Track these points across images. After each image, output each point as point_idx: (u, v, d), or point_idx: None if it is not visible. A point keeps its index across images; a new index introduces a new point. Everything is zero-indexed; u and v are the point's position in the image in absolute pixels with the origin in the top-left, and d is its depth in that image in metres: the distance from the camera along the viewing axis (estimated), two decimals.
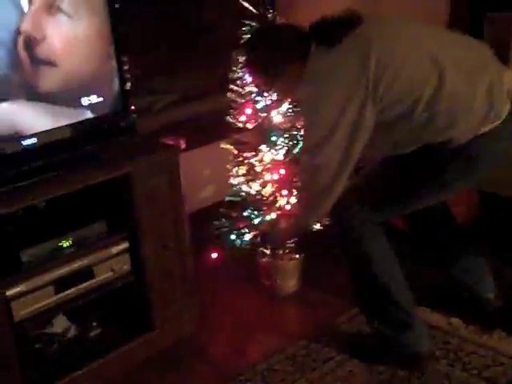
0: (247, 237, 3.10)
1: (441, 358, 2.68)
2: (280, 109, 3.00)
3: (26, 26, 2.28)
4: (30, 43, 2.31)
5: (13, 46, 2.27)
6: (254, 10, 2.92)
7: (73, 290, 2.54)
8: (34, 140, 2.41)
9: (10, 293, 2.35)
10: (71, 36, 2.41)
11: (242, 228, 3.10)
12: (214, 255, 3.31)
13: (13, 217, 2.36)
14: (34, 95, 2.38)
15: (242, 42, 2.84)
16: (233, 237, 3.10)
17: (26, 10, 2.28)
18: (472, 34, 2.56)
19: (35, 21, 2.30)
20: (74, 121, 2.52)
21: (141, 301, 2.77)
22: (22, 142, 2.39)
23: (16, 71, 2.31)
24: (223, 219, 3.10)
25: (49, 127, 2.45)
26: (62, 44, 2.39)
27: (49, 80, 2.40)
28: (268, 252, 3.21)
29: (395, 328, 2.59)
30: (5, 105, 2.30)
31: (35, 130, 2.42)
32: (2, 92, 2.29)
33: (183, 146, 2.87)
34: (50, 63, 2.38)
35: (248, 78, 2.93)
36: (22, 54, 2.30)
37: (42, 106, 2.41)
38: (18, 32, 2.27)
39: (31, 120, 2.40)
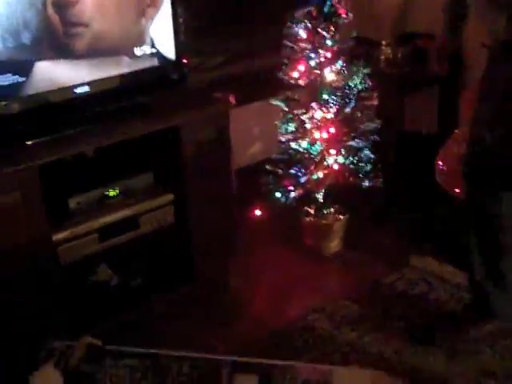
0: (292, 195, 3.08)
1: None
2: (333, 66, 2.94)
3: None
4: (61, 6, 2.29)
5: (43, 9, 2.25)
6: None
7: (117, 239, 2.57)
8: (86, 88, 2.43)
9: (56, 237, 2.39)
10: None
11: (288, 186, 3.07)
12: (259, 212, 3.31)
13: (62, 164, 2.38)
14: (72, 54, 2.38)
15: None
16: (278, 194, 3.08)
17: None
18: None
19: None
20: (126, 71, 2.52)
21: (183, 253, 2.80)
22: (75, 89, 2.40)
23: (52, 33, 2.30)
24: (270, 176, 3.08)
25: (101, 76, 2.45)
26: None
27: (85, 40, 2.39)
28: (312, 211, 3.19)
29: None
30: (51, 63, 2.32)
31: (87, 78, 2.42)
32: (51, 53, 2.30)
33: (233, 101, 2.85)
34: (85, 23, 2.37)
35: (302, 34, 2.88)
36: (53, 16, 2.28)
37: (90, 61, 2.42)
38: None
39: (82, 70, 2.41)
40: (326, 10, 2.87)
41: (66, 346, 2.21)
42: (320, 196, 3.18)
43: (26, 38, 2.24)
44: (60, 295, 2.45)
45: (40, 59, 2.30)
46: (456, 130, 3.29)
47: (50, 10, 2.26)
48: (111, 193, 2.52)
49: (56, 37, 2.31)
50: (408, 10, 3.60)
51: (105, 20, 2.40)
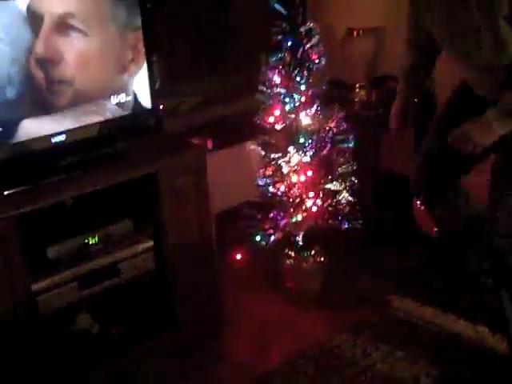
0: (272, 238, 3.09)
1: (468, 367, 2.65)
2: (308, 110, 2.98)
3: (39, 49, 2.29)
4: (45, 64, 2.32)
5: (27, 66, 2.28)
6: (283, 12, 2.90)
7: (97, 286, 2.55)
8: (62, 137, 2.44)
9: (36, 287, 2.37)
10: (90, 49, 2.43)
11: (268, 229, 3.08)
12: (239, 256, 3.31)
13: (40, 213, 2.37)
14: (53, 109, 2.40)
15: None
16: (258, 238, 3.08)
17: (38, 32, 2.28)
18: None
19: (48, 43, 2.30)
20: (102, 119, 2.53)
21: (164, 299, 2.78)
22: (51, 139, 2.42)
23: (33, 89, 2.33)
24: (249, 220, 3.09)
25: (78, 125, 2.47)
26: (80, 59, 2.40)
27: (67, 96, 2.42)
28: (292, 254, 3.20)
29: None
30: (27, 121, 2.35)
31: (64, 127, 2.44)
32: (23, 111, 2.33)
33: (210, 146, 2.88)
34: (68, 81, 2.40)
35: (276, 79, 2.93)
36: (37, 72, 2.31)
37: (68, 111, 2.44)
38: (30, 52, 2.28)
39: (58, 119, 2.42)
40: (299, 55, 2.92)
41: None
42: (300, 239, 3.19)
43: (10, 92, 2.26)
44: (39, 345, 2.42)
45: (22, 114, 2.33)
46: None
47: (34, 67, 2.30)
48: (91, 241, 2.51)
49: (39, 93, 2.34)
50: (379, 54, 3.68)
51: (87, 77, 2.44)
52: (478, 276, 2.77)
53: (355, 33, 3.53)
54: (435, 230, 3.08)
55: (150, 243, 2.66)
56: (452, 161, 2.58)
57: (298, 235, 3.18)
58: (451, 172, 2.71)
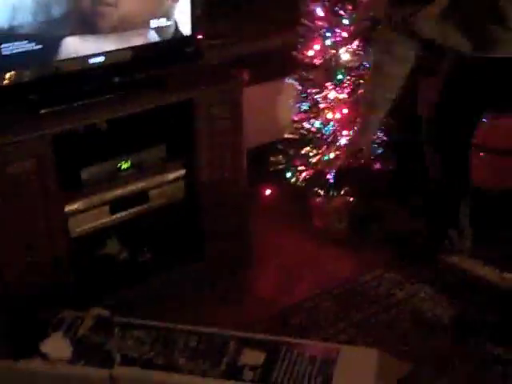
0: (303, 175, 3.07)
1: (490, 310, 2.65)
2: (349, 46, 2.93)
3: None
4: None
5: None
6: None
7: (127, 212, 2.57)
8: (101, 58, 2.41)
9: (68, 209, 2.39)
10: None
11: (299, 166, 3.06)
12: (269, 191, 3.30)
13: (75, 135, 2.37)
14: (95, 30, 2.38)
15: None
16: (289, 174, 3.07)
17: None
18: None
19: None
20: (141, 43, 2.50)
21: (193, 229, 2.79)
22: (89, 60, 2.39)
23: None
24: (281, 156, 3.07)
25: (116, 47, 2.44)
26: None
27: (110, 18, 2.39)
28: (322, 193, 3.18)
29: None
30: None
31: (103, 49, 2.41)
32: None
33: (247, 77, 2.83)
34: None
35: (320, 13, 2.87)
36: None
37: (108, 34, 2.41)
38: None
39: (98, 41, 2.39)
40: None
41: (76, 316, 2.22)
42: (330, 177, 3.17)
43: (55, 10, 2.23)
44: (70, 266, 2.45)
45: (63, 32, 2.30)
46: None
47: None
48: (123, 165, 2.52)
49: (83, 13, 2.32)
50: None
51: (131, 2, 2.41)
52: None
53: None
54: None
55: (182, 172, 2.66)
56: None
57: (329, 174, 3.15)
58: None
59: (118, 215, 2.56)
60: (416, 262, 2.94)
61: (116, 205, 2.53)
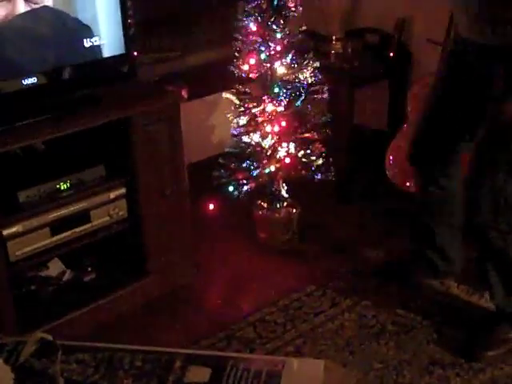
0: (245, 188, 3.08)
1: (432, 315, 2.71)
2: (283, 60, 2.96)
3: None
4: None
5: None
6: None
7: (69, 232, 2.54)
8: (34, 79, 2.39)
9: (6, 232, 2.36)
10: None
11: (241, 179, 3.08)
12: (212, 206, 3.31)
13: (12, 157, 2.34)
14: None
15: None
16: (231, 188, 3.08)
17: None
18: None
19: None
20: (75, 62, 2.49)
21: (136, 247, 2.78)
22: (23, 81, 2.36)
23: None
24: (222, 170, 3.08)
25: (50, 67, 2.42)
26: None
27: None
28: (265, 205, 3.20)
29: None
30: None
31: (36, 69, 2.39)
32: None
33: (185, 95, 2.84)
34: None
35: (253, 27, 2.89)
36: None
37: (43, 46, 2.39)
38: None
39: (32, 60, 2.37)
40: (275, 2, 2.88)
41: (17, 341, 2.17)
42: (273, 189, 3.19)
43: None
44: (9, 291, 2.41)
45: None
46: (404, 125, 3.36)
47: None
48: (63, 186, 2.49)
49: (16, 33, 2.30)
50: (357, 5, 3.65)
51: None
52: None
53: None
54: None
55: (123, 190, 2.65)
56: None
57: (271, 186, 3.18)
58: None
59: (60, 236, 2.53)
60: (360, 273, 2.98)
61: (57, 226, 2.50)
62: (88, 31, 2.47)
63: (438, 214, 2.74)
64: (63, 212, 2.50)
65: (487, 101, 2.35)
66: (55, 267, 2.69)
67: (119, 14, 2.53)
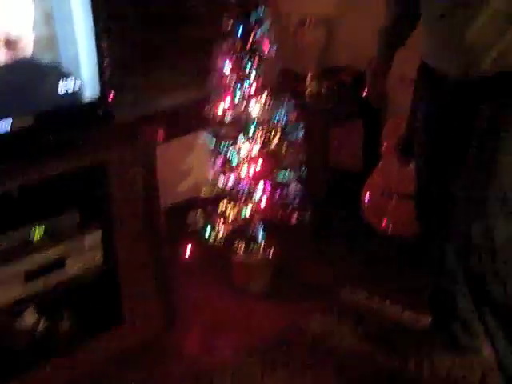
0: (221, 231, 3.05)
1: (412, 356, 2.67)
2: (259, 100, 2.95)
3: None
4: None
5: None
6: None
7: (43, 280, 2.47)
8: (7, 124, 2.34)
9: None
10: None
11: (217, 222, 3.04)
12: (188, 250, 3.26)
13: None
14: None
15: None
16: (207, 231, 3.04)
17: None
18: None
19: None
20: (51, 107, 2.46)
21: (112, 293, 2.71)
22: None
23: None
24: (198, 213, 3.05)
25: (24, 112, 2.39)
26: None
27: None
28: (242, 248, 3.17)
29: None
30: None
31: (9, 114, 2.34)
32: None
33: (161, 136, 2.82)
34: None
35: (227, 68, 2.89)
36: None
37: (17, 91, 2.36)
38: None
39: (5, 104, 2.34)
40: (249, 43, 2.88)
41: None
42: (249, 232, 3.16)
43: None
44: None
45: None
46: (379, 164, 3.37)
47: None
48: (37, 233, 2.43)
49: None
50: (331, 45, 3.68)
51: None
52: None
53: (307, 22, 3.52)
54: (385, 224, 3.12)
55: (98, 236, 2.59)
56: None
57: (248, 228, 3.15)
58: None
59: (34, 284, 2.45)
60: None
61: (31, 274, 2.43)
62: (64, 75, 2.45)
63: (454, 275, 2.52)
64: (37, 259, 2.43)
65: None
66: (30, 317, 2.62)
67: (95, 57, 2.51)
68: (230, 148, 3.00)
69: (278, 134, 3.01)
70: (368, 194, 3.39)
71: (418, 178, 2.60)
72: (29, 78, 2.39)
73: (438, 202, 2.49)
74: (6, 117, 2.33)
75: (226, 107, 2.96)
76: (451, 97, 2.29)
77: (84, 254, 2.56)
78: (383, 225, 3.30)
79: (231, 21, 2.88)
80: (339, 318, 2.94)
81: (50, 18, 2.38)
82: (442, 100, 2.34)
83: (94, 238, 2.58)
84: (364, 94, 3.11)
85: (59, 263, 2.50)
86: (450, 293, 2.55)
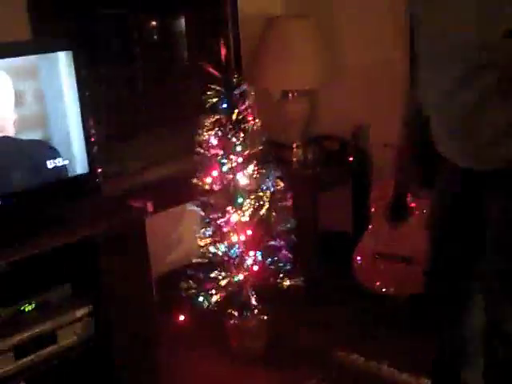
0: (214, 298, 3.08)
1: None
2: (245, 171, 3.03)
3: None
4: None
5: None
6: (218, 75, 2.97)
7: (34, 355, 2.50)
8: None
9: None
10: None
11: (210, 289, 3.08)
12: (182, 317, 3.29)
13: None
14: None
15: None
16: (200, 298, 3.07)
17: None
18: None
19: None
20: (38, 182, 2.54)
21: (105, 366, 2.73)
22: None
23: None
24: (190, 281, 3.09)
25: (13, 189, 2.47)
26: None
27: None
28: (235, 313, 3.19)
29: None
30: None
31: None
32: None
33: (150, 208, 2.88)
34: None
35: (213, 141, 2.98)
36: None
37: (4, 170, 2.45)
38: None
39: None
40: (234, 117, 2.98)
41: None
42: (242, 298, 3.19)
43: None
44: None
45: None
46: (369, 226, 3.42)
47: None
48: (27, 308, 2.47)
49: None
50: (314, 114, 3.78)
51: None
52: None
53: (290, 95, 3.62)
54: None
55: (89, 308, 2.63)
56: None
57: (241, 294, 3.18)
58: None
59: (25, 360, 2.47)
60: None
61: (21, 349, 2.45)
62: (52, 153, 2.54)
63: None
64: (28, 334, 2.46)
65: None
66: None
67: (82, 133, 2.61)
68: (220, 217, 3.07)
69: (267, 202, 3.08)
70: (360, 256, 3.42)
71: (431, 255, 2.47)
72: (15, 160, 2.49)
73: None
74: None
75: (214, 178, 3.04)
76: (463, 185, 2.21)
77: (76, 327, 2.59)
78: (376, 286, 3.33)
79: (216, 97, 2.98)
80: (336, 382, 2.93)
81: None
82: (454, 188, 2.26)
83: (85, 310, 2.61)
84: (350, 159, 3.21)
85: (50, 336, 2.52)
86: (458, 364, 2.44)
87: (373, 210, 3.40)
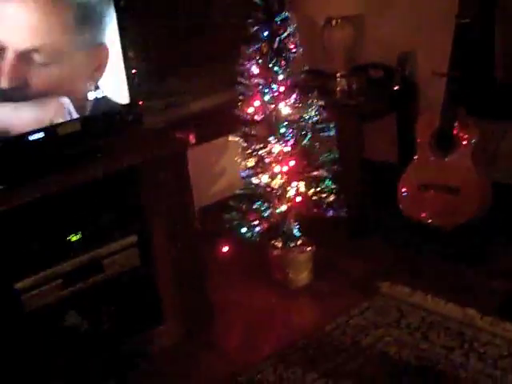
0: (257, 229, 3.09)
1: (456, 348, 2.65)
2: (287, 100, 2.98)
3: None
4: None
5: None
6: (259, 2, 2.90)
7: (82, 283, 2.55)
8: (41, 134, 2.45)
9: (19, 285, 2.37)
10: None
11: (253, 221, 3.08)
12: (225, 248, 3.31)
13: (22, 209, 2.36)
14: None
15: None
16: (243, 230, 3.08)
17: None
18: None
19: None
20: (81, 114, 2.55)
21: (151, 294, 2.78)
22: (29, 136, 2.42)
23: None
24: (234, 212, 3.09)
25: (56, 121, 2.48)
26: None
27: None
28: (279, 245, 3.20)
29: None
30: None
31: (42, 124, 2.45)
32: None
33: (193, 140, 2.87)
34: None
35: (255, 70, 2.93)
36: None
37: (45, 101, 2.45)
38: None
39: (36, 115, 2.43)
40: (276, 45, 2.92)
41: None
42: (285, 229, 3.19)
43: None
44: (26, 343, 2.41)
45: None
46: (415, 157, 3.36)
47: None
48: (73, 237, 2.51)
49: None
50: (359, 42, 3.69)
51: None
52: None
53: (334, 21, 3.52)
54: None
55: (134, 238, 2.66)
56: None
57: (284, 225, 3.18)
58: None
59: (73, 288, 2.53)
60: None
61: (70, 277, 2.51)
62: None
63: None
64: (75, 263, 2.51)
65: None
66: (72, 318, 2.69)
67: (122, 64, 2.59)
68: (262, 148, 3.05)
69: (310, 132, 3.04)
70: (404, 188, 3.38)
71: None
72: None
73: None
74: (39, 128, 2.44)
75: (256, 109, 3.00)
76: None
77: (121, 256, 2.63)
78: (421, 217, 3.29)
79: (257, 25, 2.92)
80: (381, 311, 2.94)
81: None
82: None
83: (129, 240, 2.65)
84: (395, 87, 3.12)
85: (97, 266, 2.57)
86: None
87: (419, 140, 3.33)
